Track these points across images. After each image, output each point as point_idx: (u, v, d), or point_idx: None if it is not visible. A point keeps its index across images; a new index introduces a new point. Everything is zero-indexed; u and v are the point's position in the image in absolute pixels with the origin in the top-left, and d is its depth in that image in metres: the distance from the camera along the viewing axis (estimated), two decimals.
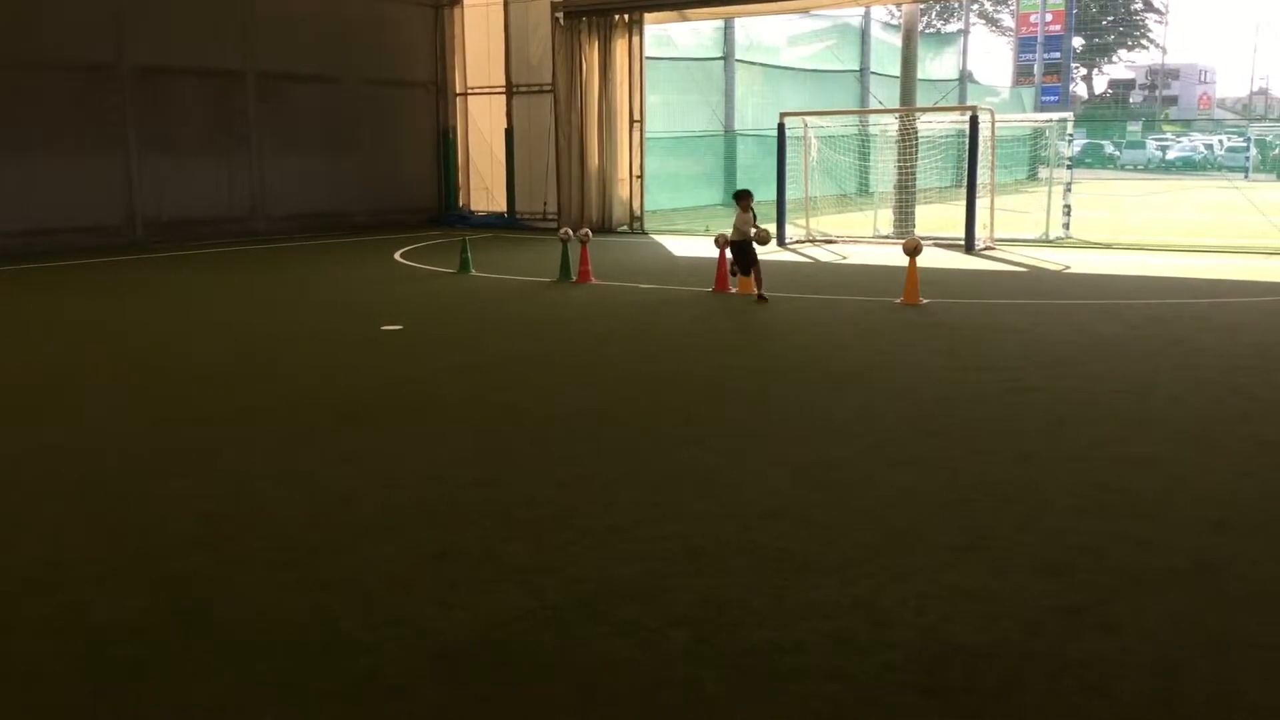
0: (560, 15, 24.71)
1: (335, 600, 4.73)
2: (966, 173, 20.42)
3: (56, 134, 20.19)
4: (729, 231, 13.96)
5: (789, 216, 21.86)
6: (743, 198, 13.99)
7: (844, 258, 19.43)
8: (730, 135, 34.25)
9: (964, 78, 51.47)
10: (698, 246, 21.08)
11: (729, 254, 14.07)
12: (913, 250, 13.58)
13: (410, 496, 6.17)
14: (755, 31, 35.24)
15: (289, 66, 24.03)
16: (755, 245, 13.63)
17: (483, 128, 27.93)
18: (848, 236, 22.31)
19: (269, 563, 5.18)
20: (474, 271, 16.75)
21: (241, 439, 7.42)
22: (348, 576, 5.00)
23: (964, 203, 20.34)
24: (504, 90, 26.94)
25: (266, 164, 23.82)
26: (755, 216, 13.84)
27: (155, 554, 5.30)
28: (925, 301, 13.29)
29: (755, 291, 13.67)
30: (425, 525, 5.69)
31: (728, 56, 34.41)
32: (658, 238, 23.84)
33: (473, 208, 28.20)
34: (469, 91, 27.97)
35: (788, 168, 21.81)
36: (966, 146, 20.77)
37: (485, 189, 28.15)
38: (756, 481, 6.41)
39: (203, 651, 4.26)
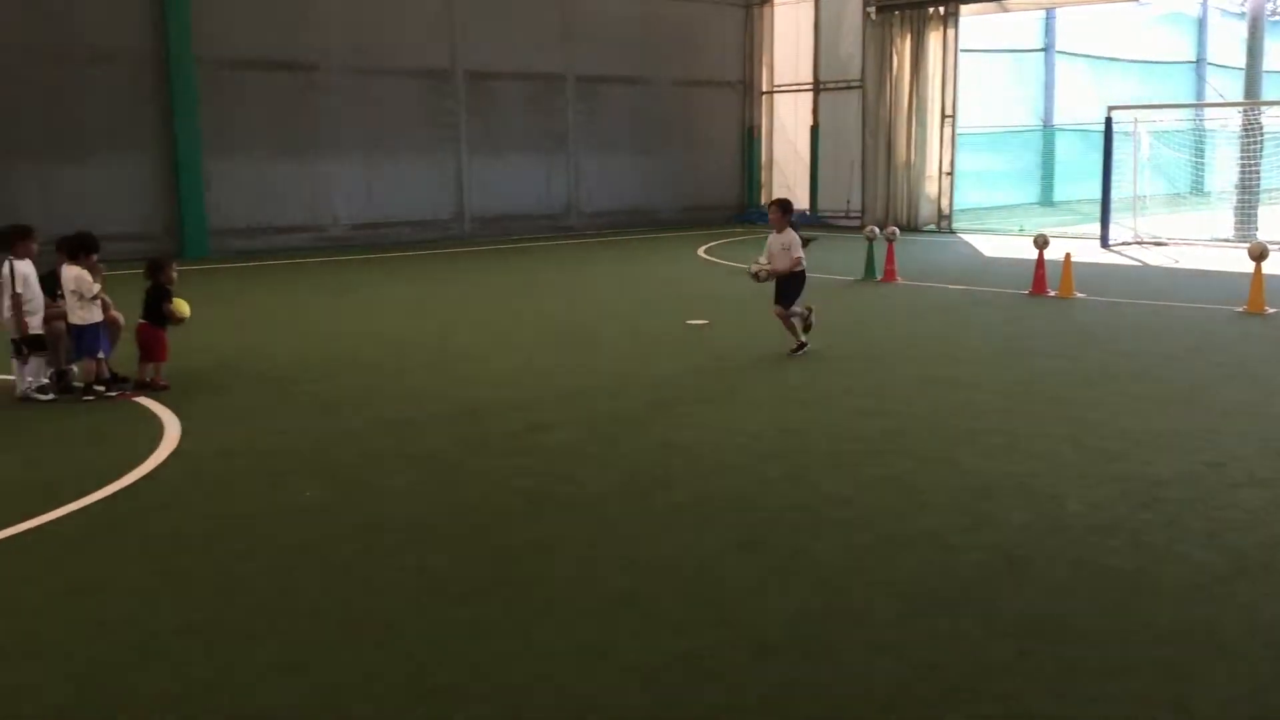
0: (872, 10, 24.35)
1: (651, 580, 4.89)
2: None
3: (399, 135, 21.91)
4: (1035, 235, 12.77)
5: (1114, 216, 20.56)
6: (781, 210, 10.10)
7: (1176, 261, 18.07)
8: (1049, 130, 32.60)
9: None
10: (1011, 247, 20.25)
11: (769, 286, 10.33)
12: (1259, 255, 12.45)
13: (719, 486, 6.27)
14: (1080, 21, 33.34)
15: (605, 69, 24.99)
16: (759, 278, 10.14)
17: (787, 125, 27.97)
18: (1181, 239, 20.72)
19: (589, 541, 5.42)
20: None
21: (563, 421, 7.79)
22: (663, 559, 5.15)
23: None
24: (811, 87, 26.86)
25: (581, 163, 24.88)
26: (801, 238, 10.07)
27: (489, 524, 5.66)
28: (1271, 311, 12.15)
29: (796, 340, 10.11)
30: (735, 516, 5.77)
31: (1049, 48, 32.77)
32: (967, 237, 23.05)
33: None
34: (775, 89, 28.07)
35: (1115, 165, 20.50)
36: None
37: (787, 186, 28.15)
38: (1079, 494, 6.08)
39: (528, 616, 4.51)
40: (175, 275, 9.08)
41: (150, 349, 8.78)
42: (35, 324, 8.37)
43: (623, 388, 8.92)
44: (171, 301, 8.82)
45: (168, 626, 4.46)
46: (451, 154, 22.74)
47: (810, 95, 26.93)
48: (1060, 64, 33.12)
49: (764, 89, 28.12)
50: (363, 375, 9.44)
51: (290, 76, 20.41)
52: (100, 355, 8.51)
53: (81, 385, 8.51)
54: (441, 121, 22.51)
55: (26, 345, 8.37)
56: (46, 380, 8.48)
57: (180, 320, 8.90)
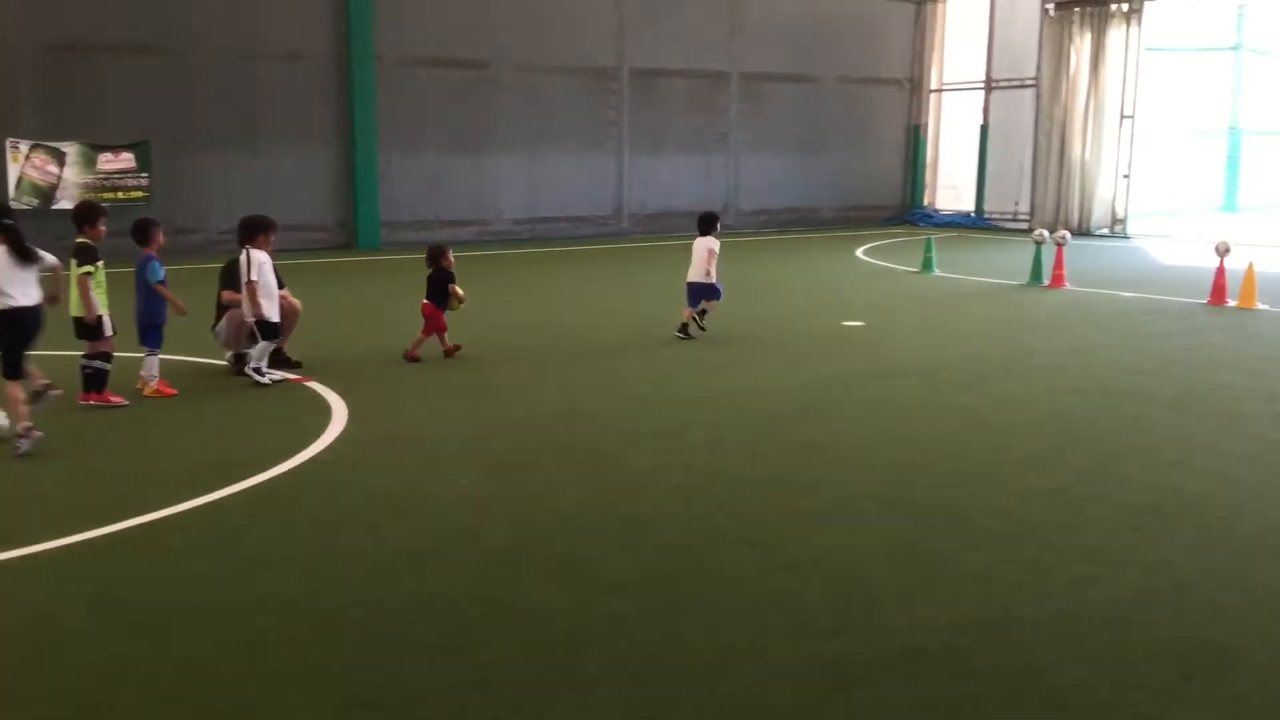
0: (1051, 6, 23.55)
1: (799, 583, 4.87)
2: None
3: (563, 132, 22.30)
4: (1216, 242, 12.26)
5: None
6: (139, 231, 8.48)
7: None
8: (1235, 132, 30.93)
9: None
10: (1189, 254, 19.30)
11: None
12: None
13: (868, 490, 6.19)
14: (1273, 17, 31.48)
15: (771, 67, 24.85)
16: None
17: (955, 124, 27.29)
18: None
19: (739, 539, 5.43)
20: (937, 271, 16.44)
21: (712, 421, 7.82)
22: (810, 561, 5.12)
23: None
24: (982, 85, 26.14)
25: (741, 161, 24.82)
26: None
27: (637, 517, 5.73)
28: None
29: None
30: (885, 522, 5.69)
31: (1239, 46, 31.05)
32: (1142, 242, 22.09)
33: (937, 206, 27.66)
34: (944, 88, 27.42)
35: None
36: None
37: (952, 187, 27.49)
38: (1256, 515, 5.77)
39: (678, 614, 4.55)
40: (452, 260, 10.11)
41: (432, 323, 9.89)
42: (270, 310, 8.80)
43: (774, 388, 8.88)
44: (455, 283, 9.87)
45: (330, 603, 4.67)
46: (613, 151, 23.01)
47: (981, 93, 26.22)
48: (1252, 62, 31.33)
49: (933, 87, 27.51)
50: (524, 366, 9.66)
51: (463, 74, 21.00)
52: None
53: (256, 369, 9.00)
54: (605, 118, 22.80)
55: (259, 330, 8.81)
56: (263, 365, 8.88)
57: (460, 301, 9.94)
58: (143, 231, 8.47)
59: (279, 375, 8.88)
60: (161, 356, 8.53)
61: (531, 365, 9.70)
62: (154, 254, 8.43)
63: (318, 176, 19.78)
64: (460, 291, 9.95)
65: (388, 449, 7.00)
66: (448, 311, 9.99)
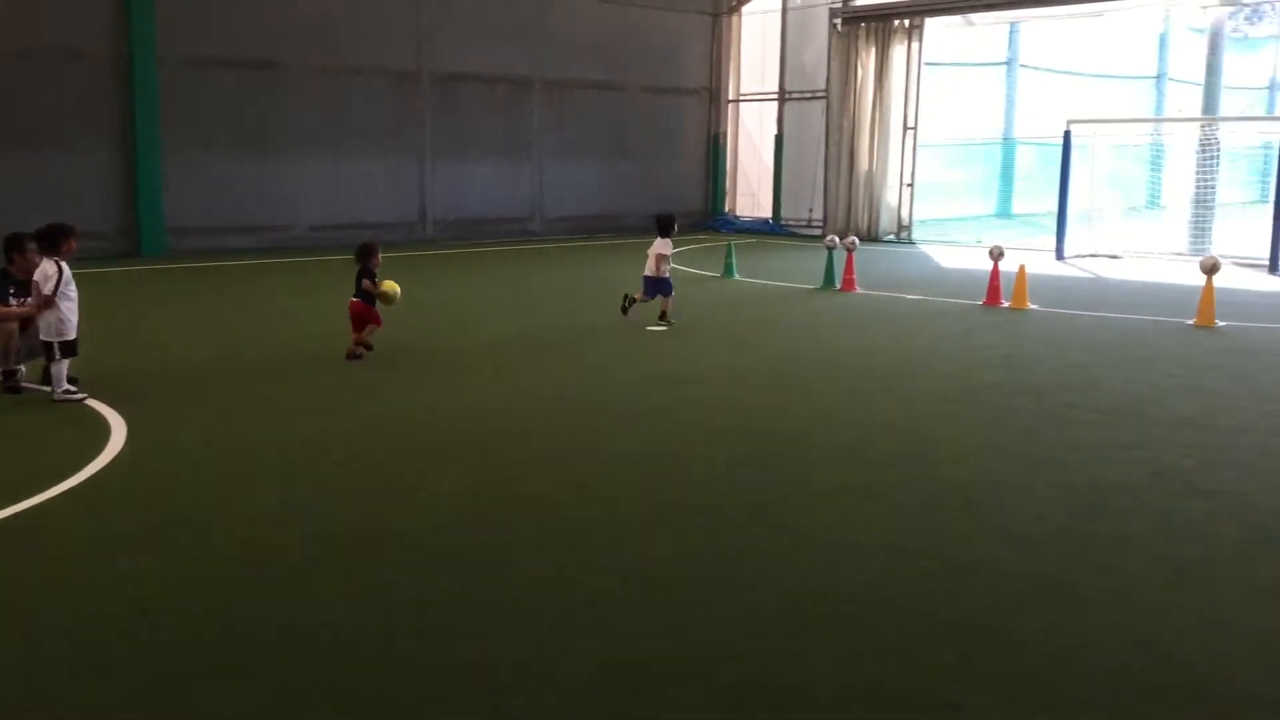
0: (838, 21, 24.53)
1: (599, 588, 4.89)
2: (1275, 187, 18.78)
3: (363, 137, 21.79)
4: (990, 247, 13.13)
5: (1070, 229, 20.80)
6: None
7: (1130, 275, 18.31)
8: (1009, 143, 32.96)
9: (1275, 86, 47.32)
10: (968, 258, 20.45)
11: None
12: (1210, 268, 12.67)
13: (666, 494, 6.28)
14: (1043, 35, 33.75)
15: (574, 74, 24.99)
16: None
17: (752, 134, 28.12)
18: (1135, 252, 21.00)
19: (536, 547, 5.41)
20: (737, 276, 16.87)
21: (511, 430, 7.78)
22: (624, 566, 5.15)
23: (1270, 219, 18.73)
24: (776, 96, 27.01)
25: (547, 167, 24.86)
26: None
27: (436, 530, 5.63)
28: (1221, 325, 12.35)
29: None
30: (682, 524, 5.78)
31: (1011, 61, 33.12)
32: (925, 248, 23.26)
33: (737, 212, 28.41)
34: (740, 98, 28.20)
35: (1072, 178, 20.74)
36: (1276, 159, 19.10)
37: (751, 194, 28.31)
38: (1026, 504, 6.15)
39: (479, 626, 4.49)
40: (380, 260, 10.29)
41: (362, 320, 10.11)
42: (73, 327, 8.26)
43: (578, 395, 8.92)
44: (373, 281, 10.02)
45: (108, 632, 4.41)
46: (415, 156, 22.66)
47: (775, 104, 27.08)
48: (1023, 77, 33.49)
49: (730, 97, 28.24)
50: (318, 377, 9.38)
51: (254, 76, 20.25)
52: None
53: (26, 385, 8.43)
54: (406, 123, 22.43)
55: (61, 349, 8.21)
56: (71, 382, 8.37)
57: (389, 299, 10.07)
58: None
59: (78, 395, 8.30)
60: None
61: (328, 376, 9.43)
62: None
63: (96, 181, 18.67)
64: (386, 289, 10.03)
65: (170, 466, 6.67)
66: (388, 307, 10.17)
